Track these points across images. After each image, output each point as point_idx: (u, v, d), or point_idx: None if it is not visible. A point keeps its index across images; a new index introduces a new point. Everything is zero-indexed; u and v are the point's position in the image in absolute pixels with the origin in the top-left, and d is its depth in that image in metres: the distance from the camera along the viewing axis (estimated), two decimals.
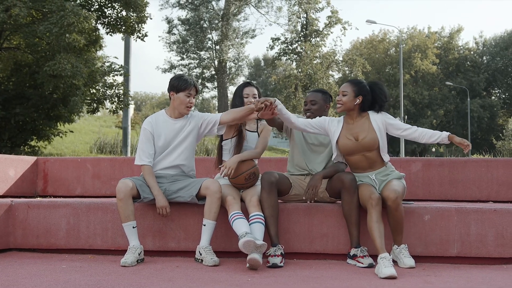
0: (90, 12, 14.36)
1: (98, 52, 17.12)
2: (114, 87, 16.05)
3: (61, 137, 16.71)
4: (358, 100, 4.43)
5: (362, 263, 4.23)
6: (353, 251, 4.34)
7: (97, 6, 15.94)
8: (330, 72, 32.81)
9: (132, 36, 16.55)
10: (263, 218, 4.30)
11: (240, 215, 4.27)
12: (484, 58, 50.49)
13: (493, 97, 50.07)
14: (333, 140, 4.53)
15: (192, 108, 4.65)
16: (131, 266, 4.15)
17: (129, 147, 17.55)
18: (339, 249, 4.51)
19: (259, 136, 4.81)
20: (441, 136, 4.45)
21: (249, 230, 4.15)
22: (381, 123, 4.45)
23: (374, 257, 4.30)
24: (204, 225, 4.34)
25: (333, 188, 4.53)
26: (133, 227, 4.33)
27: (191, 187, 4.46)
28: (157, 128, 4.57)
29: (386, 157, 4.48)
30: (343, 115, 4.59)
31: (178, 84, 4.54)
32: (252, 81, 4.95)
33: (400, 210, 4.18)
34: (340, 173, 4.47)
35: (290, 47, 32.74)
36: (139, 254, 4.30)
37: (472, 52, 50.06)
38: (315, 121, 4.54)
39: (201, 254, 4.31)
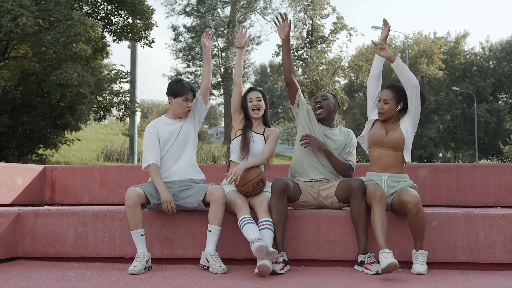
0: (96, 21, 14.43)
1: (104, 59, 17.19)
2: (120, 95, 16.10)
3: (68, 145, 16.77)
4: (399, 106, 4.54)
5: (370, 270, 4.22)
6: (360, 258, 4.33)
7: (103, 14, 16.01)
8: (336, 78, 32.83)
9: (139, 43, 16.61)
10: (273, 225, 4.30)
11: (250, 220, 4.25)
12: (491, 62, 50.30)
13: (500, 102, 49.85)
14: (367, 128, 4.71)
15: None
16: (138, 274, 4.15)
17: (136, 154, 17.58)
18: (346, 255, 4.50)
19: (265, 140, 4.84)
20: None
21: (260, 236, 4.14)
22: (408, 122, 4.57)
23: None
24: (209, 231, 4.32)
25: (342, 193, 4.55)
26: (141, 235, 4.32)
27: (198, 193, 4.47)
28: (160, 130, 4.68)
29: (407, 157, 4.54)
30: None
31: (175, 89, 4.66)
32: (256, 87, 5.06)
33: (420, 215, 4.19)
34: (348, 179, 4.54)
35: (296, 53, 32.77)
36: (146, 262, 4.29)
37: (478, 57, 49.89)
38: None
39: (208, 261, 4.29)
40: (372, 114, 4.72)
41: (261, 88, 5.12)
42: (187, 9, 33.95)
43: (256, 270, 4.04)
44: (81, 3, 15.37)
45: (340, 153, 4.83)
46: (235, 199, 4.42)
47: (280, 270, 4.18)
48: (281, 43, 4.94)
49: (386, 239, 4.12)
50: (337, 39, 32.33)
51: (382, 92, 4.60)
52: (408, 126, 4.56)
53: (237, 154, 4.76)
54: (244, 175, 4.44)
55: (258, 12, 34.13)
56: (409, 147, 4.56)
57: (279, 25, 4.81)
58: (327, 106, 4.86)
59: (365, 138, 4.72)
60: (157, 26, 16.12)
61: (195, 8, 33.81)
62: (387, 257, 3.94)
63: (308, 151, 4.80)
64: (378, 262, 4.25)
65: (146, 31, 16.04)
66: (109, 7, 16.01)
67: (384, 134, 4.55)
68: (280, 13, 4.83)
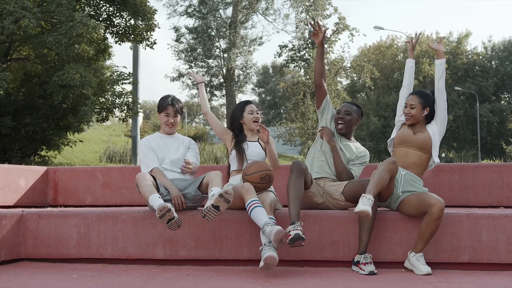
0: (98, 22, 14.44)
1: (107, 61, 17.21)
2: (123, 96, 16.11)
3: (71, 146, 16.78)
4: (425, 111, 4.68)
5: (363, 270, 4.21)
6: (357, 257, 4.33)
7: (105, 16, 16.02)
8: (338, 79, 32.68)
9: (141, 45, 16.63)
10: (276, 223, 4.28)
11: (259, 203, 4.23)
12: (493, 62, 50.24)
13: (502, 102, 49.80)
14: (395, 131, 4.88)
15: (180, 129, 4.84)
16: (174, 219, 4.18)
17: (138, 155, 17.60)
18: (349, 256, 4.49)
19: (261, 145, 4.92)
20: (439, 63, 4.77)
21: (269, 220, 4.15)
22: (435, 126, 4.72)
23: (380, 263, 4.31)
24: (211, 191, 4.31)
25: (352, 192, 4.56)
26: (158, 197, 4.33)
27: (194, 182, 4.65)
28: (153, 141, 4.89)
29: (436, 158, 4.65)
30: None
31: (159, 105, 4.95)
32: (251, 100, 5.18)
33: (440, 221, 4.20)
34: (361, 179, 4.60)
35: (298, 54, 32.68)
36: (169, 209, 4.19)
37: (480, 57, 49.84)
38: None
39: (213, 195, 4.20)
40: (400, 119, 4.88)
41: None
42: (189, 10, 33.91)
43: (262, 263, 4.03)
44: (82, 5, 15.38)
45: (347, 162, 4.87)
46: (241, 184, 4.44)
47: (302, 234, 4.12)
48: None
49: (376, 190, 4.15)
50: (339, 39, 32.19)
51: (409, 98, 4.75)
52: (435, 130, 4.69)
53: (235, 165, 4.87)
54: (258, 164, 4.49)
55: (260, 13, 34.06)
56: (437, 149, 4.66)
57: (314, 31, 4.93)
58: (349, 122, 4.96)
59: (392, 140, 4.85)
60: (159, 28, 16.12)
61: (197, 9, 33.76)
62: (364, 203, 4.00)
63: (319, 152, 4.91)
64: (374, 263, 4.27)
65: (148, 32, 16.06)
66: (111, 9, 16.03)
67: (412, 133, 4.68)
68: (310, 23, 4.99)
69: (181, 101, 4.96)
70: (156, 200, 4.30)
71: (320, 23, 4.98)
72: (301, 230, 4.15)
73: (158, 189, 4.55)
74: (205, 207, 4.18)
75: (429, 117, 4.74)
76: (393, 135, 4.87)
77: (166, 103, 4.88)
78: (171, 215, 4.18)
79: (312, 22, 4.93)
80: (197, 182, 4.62)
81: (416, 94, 4.75)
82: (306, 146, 30.08)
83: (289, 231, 4.12)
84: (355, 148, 4.97)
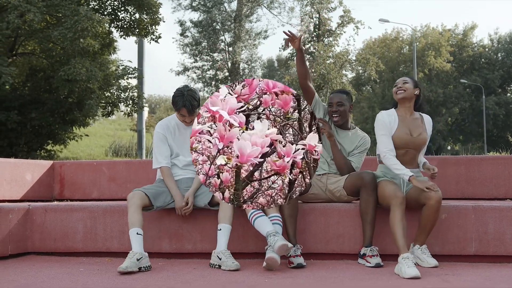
0: (103, 16, 14.44)
1: (112, 55, 17.22)
2: (128, 90, 16.12)
3: (77, 141, 16.83)
4: (417, 91, 4.52)
5: (370, 263, 4.22)
6: (363, 250, 4.33)
7: (110, 10, 16.02)
8: (344, 72, 32.60)
9: (146, 39, 16.63)
10: (281, 220, 4.29)
11: (260, 213, 4.22)
12: (499, 55, 49.99)
13: (508, 94, 49.56)
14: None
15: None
16: (130, 272, 3.95)
17: (144, 149, 17.62)
18: (355, 249, 4.49)
19: None
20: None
21: (273, 228, 4.12)
22: (430, 128, 4.57)
23: (386, 256, 4.29)
24: (220, 230, 4.26)
25: (351, 186, 4.53)
26: (137, 234, 4.16)
27: (205, 195, 4.50)
28: (169, 130, 4.67)
29: (422, 158, 4.60)
30: (393, 109, 4.59)
31: (172, 101, 4.61)
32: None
33: (439, 213, 4.17)
34: (360, 172, 4.53)
35: (303, 47, 32.67)
36: (138, 260, 4.04)
37: (486, 49, 49.58)
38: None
39: (220, 259, 4.17)
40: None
41: None
42: (194, 4, 33.88)
43: (264, 263, 4.06)
44: None
45: (347, 154, 4.82)
46: None
47: (304, 262, 4.21)
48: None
49: (405, 240, 4.01)
50: (344, 32, 32.14)
51: (400, 79, 4.59)
52: (429, 130, 4.55)
53: None
54: None
55: (264, 6, 33.99)
56: (423, 154, 4.63)
57: (288, 38, 4.76)
58: (343, 112, 4.84)
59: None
60: (163, 21, 16.11)
61: (202, 3, 33.73)
62: (409, 266, 3.80)
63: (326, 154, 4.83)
64: (383, 255, 4.26)
65: (153, 26, 16.05)
66: (115, 3, 16.03)
67: (410, 135, 4.41)
68: (284, 31, 4.74)
69: (197, 94, 4.59)
70: (133, 239, 4.14)
71: (294, 31, 4.86)
72: (301, 254, 4.26)
73: (151, 203, 4.39)
74: (212, 262, 4.21)
75: (417, 103, 4.58)
76: (385, 147, 4.39)
77: (180, 105, 4.51)
78: (134, 270, 4.00)
79: (287, 31, 4.71)
80: (207, 197, 4.47)
81: (406, 76, 4.70)
82: None
83: (290, 256, 4.22)
84: (353, 137, 4.88)
